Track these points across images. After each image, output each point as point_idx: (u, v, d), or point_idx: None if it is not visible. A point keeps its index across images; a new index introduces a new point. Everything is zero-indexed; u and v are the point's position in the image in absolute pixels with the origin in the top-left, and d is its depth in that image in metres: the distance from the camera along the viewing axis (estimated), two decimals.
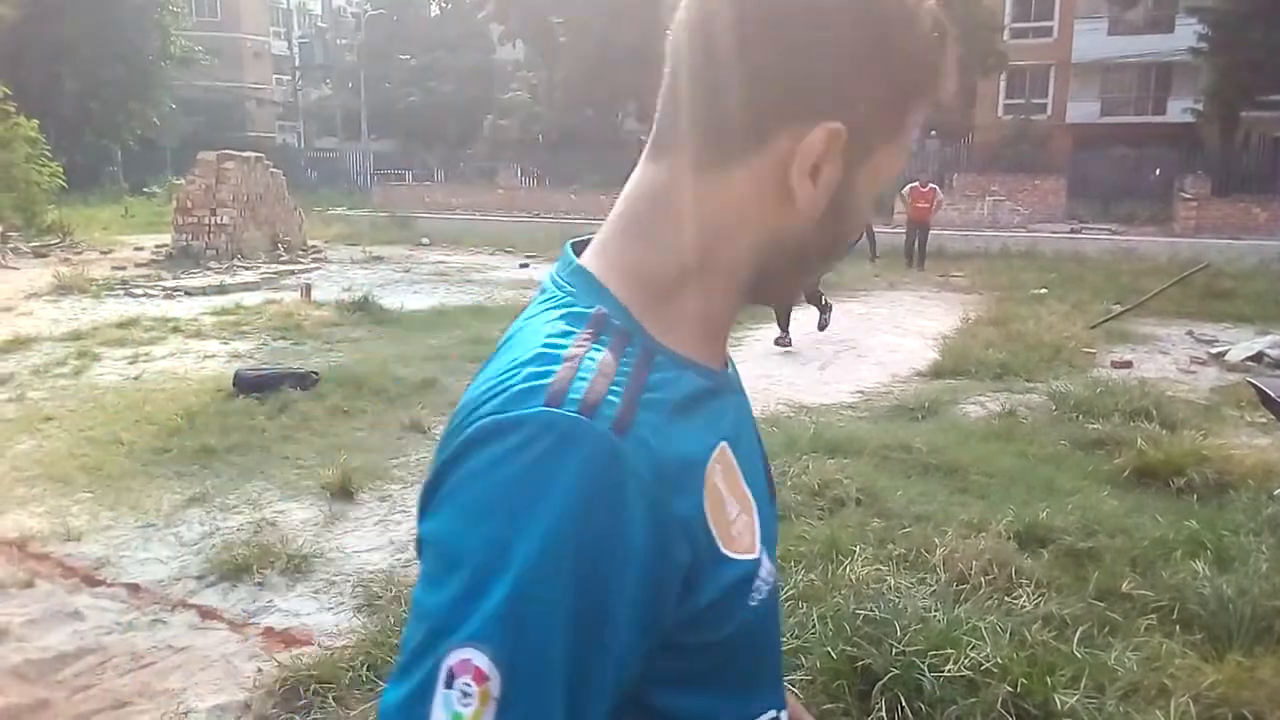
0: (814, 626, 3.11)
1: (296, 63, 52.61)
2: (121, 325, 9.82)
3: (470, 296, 13.15)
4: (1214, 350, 9.38)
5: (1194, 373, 8.54)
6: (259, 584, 3.89)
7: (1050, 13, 37.53)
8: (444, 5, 47.98)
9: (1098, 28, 36.08)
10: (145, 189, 32.87)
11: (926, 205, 17.36)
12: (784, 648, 2.93)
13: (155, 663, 3.31)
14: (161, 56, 36.13)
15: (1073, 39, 36.62)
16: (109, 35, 32.94)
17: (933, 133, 38.10)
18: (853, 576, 3.49)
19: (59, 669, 3.26)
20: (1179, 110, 32.22)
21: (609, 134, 37.28)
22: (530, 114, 38.23)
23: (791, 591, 3.41)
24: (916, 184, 17.41)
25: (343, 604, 3.75)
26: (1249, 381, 7.03)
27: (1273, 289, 12.98)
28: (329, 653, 3.24)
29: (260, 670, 3.21)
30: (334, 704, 2.93)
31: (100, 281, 13.49)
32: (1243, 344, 9.27)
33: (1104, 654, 3.04)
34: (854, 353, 9.58)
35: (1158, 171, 28.33)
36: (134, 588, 3.89)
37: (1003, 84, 36.66)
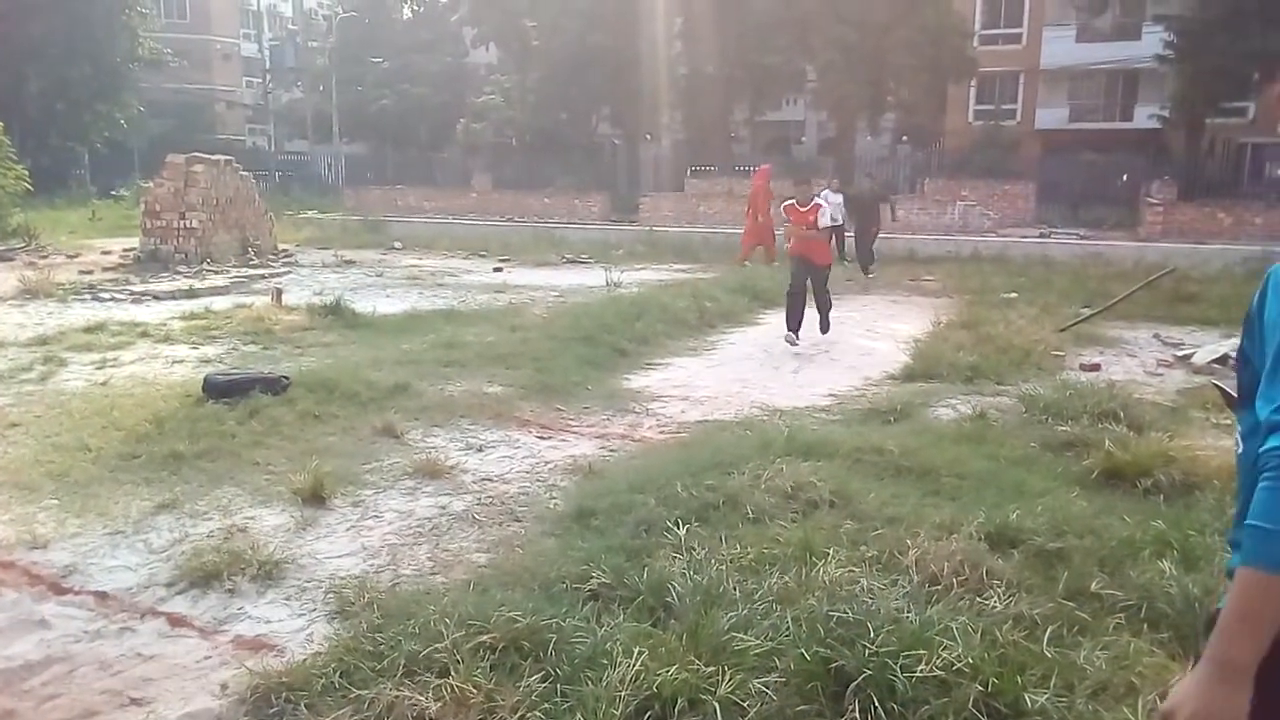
0: (788, 628, 3.13)
1: (267, 65, 52.14)
2: (89, 330, 9.69)
3: (443, 300, 13.09)
4: (1180, 353, 9.51)
5: (1161, 375, 8.66)
6: (229, 591, 3.86)
7: (1019, 19, 37.94)
8: (416, 8, 47.73)
9: (1066, 35, 36.50)
10: (113, 192, 32.47)
11: (808, 231, 10.14)
12: (757, 649, 2.96)
13: (124, 671, 3.27)
14: (129, 58, 35.72)
15: (1041, 46, 37.02)
16: (76, 36, 32.52)
17: (904, 138, 38.42)
18: (826, 578, 3.50)
19: (26, 678, 3.22)
20: (1146, 117, 32.66)
21: (583, 137, 37.26)
22: (504, 117, 38.11)
23: (765, 594, 3.43)
24: (793, 200, 10.32)
25: (314, 611, 3.72)
26: (1214, 384, 7.13)
27: (1237, 292, 13.17)
28: (301, 660, 3.21)
29: (231, 678, 3.18)
30: (306, 711, 2.91)
31: (67, 286, 13.32)
32: (1208, 346, 9.41)
33: (1073, 653, 3.08)
34: (827, 356, 9.64)
35: (1125, 177, 28.71)
36: (102, 595, 3.84)
37: (973, 90, 36.99)
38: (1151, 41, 29.53)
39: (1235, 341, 6.93)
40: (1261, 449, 1.39)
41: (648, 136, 36.18)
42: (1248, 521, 1.36)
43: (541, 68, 34.35)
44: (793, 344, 9.89)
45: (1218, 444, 5.73)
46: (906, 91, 31.04)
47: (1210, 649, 1.36)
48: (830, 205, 17.95)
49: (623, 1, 30.59)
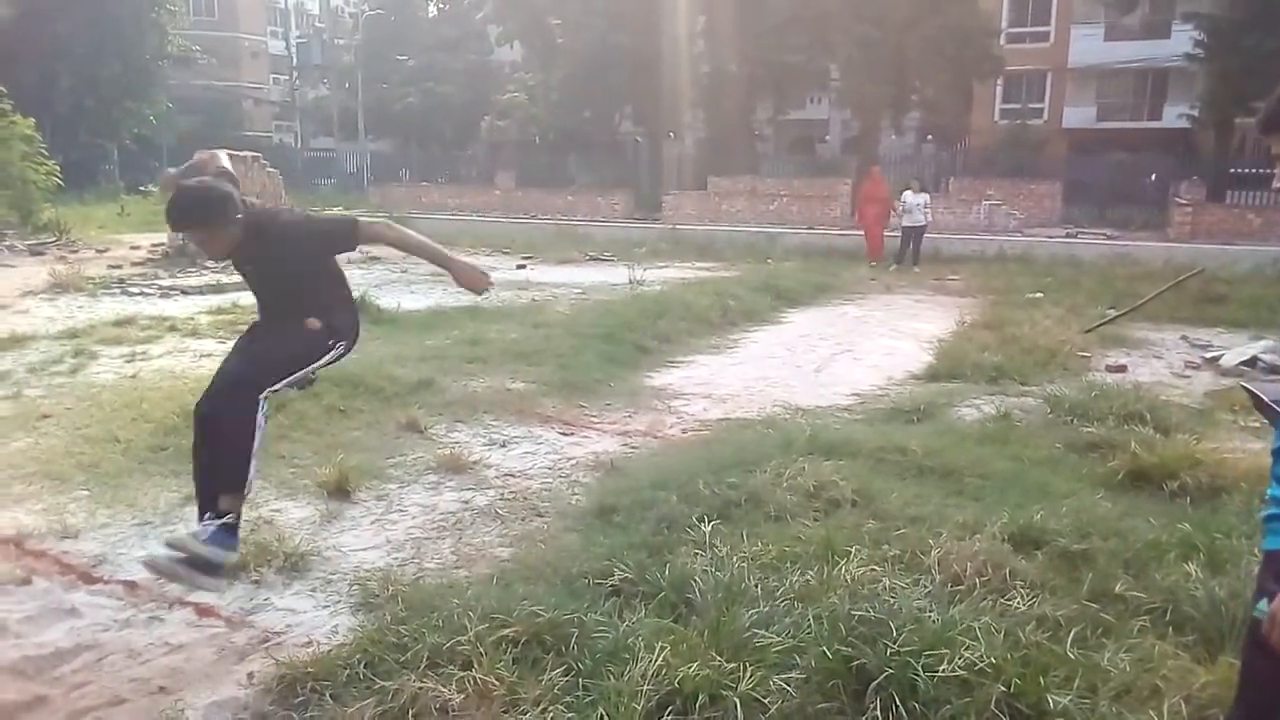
0: (809, 626, 3.13)
1: (294, 62, 52.48)
2: (118, 324, 9.81)
3: (467, 297, 13.09)
4: (1208, 355, 9.41)
5: (1188, 377, 8.58)
6: (256, 582, 3.90)
7: (1047, 17, 37.63)
8: (442, 6, 47.93)
9: (1094, 33, 36.19)
10: (142, 188, 32.79)
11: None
12: (778, 647, 2.97)
13: (152, 660, 3.31)
14: (158, 55, 36.04)
15: (1069, 44, 36.73)
16: (105, 33, 32.85)
17: (929, 137, 38.19)
18: (848, 577, 3.50)
19: (56, 665, 3.27)
20: (1174, 116, 32.32)
21: (606, 135, 37.27)
22: (528, 115, 38.16)
23: (786, 592, 3.43)
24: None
25: (339, 602, 3.76)
26: (1242, 386, 7.06)
27: (1266, 294, 13.02)
28: (326, 651, 3.25)
29: (257, 668, 3.22)
30: (331, 701, 2.94)
31: (96, 280, 13.47)
32: (1236, 348, 9.30)
33: (1097, 655, 3.06)
34: (850, 355, 9.60)
35: (1153, 177, 28.40)
36: (131, 585, 3.89)
37: (999, 88, 36.74)
38: (1181, 40, 29.21)
39: (1264, 343, 6.91)
40: None
41: (671, 135, 36.11)
42: None
43: (565, 66, 34.35)
44: None
45: (1245, 446, 5.68)
46: (931, 90, 30.83)
47: None
48: (912, 207, 17.72)
49: (646, 0, 30.55)
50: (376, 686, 2.93)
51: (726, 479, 4.70)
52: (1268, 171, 2.01)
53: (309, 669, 3.09)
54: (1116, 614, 3.40)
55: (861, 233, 19.19)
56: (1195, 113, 28.67)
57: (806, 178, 30.17)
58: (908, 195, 17.88)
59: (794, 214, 26.12)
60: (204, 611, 3.67)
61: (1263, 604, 1.88)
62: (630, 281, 13.79)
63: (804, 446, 5.23)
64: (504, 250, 20.81)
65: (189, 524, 4.51)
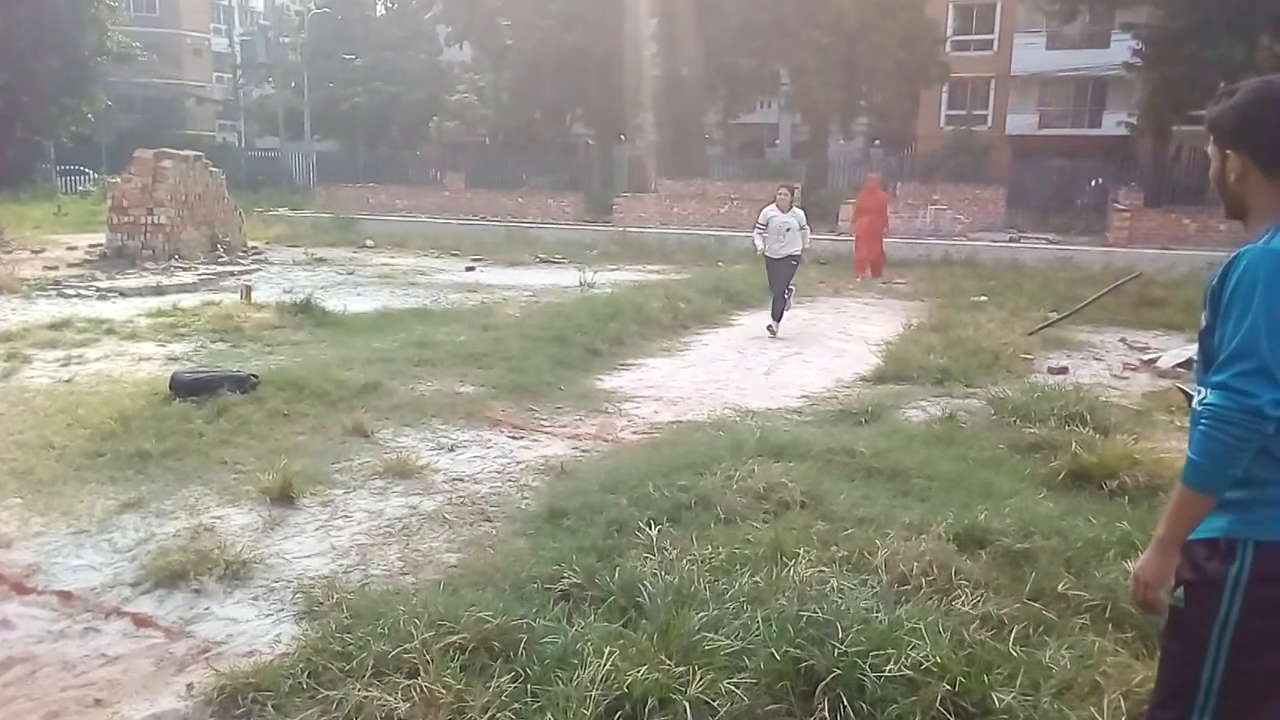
0: (758, 628, 3.14)
1: (238, 60, 51.70)
2: (53, 326, 9.55)
3: (415, 299, 13.02)
4: (1146, 357, 9.65)
5: (1127, 378, 8.78)
6: (196, 591, 3.82)
7: (991, 26, 38.38)
8: (390, 5, 47.45)
9: (1036, 42, 36.96)
10: (80, 186, 32.01)
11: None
12: (727, 649, 2.97)
13: (88, 672, 3.23)
14: (97, 51, 35.17)
15: (1012, 52, 37.46)
16: (42, 29, 31.99)
17: (876, 142, 38.69)
18: (797, 578, 3.52)
19: None
20: (1113, 124, 33.09)
21: (557, 137, 37.17)
22: (477, 116, 37.93)
23: (736, 594, 3.44)
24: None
25: (282, 611, 3.69)
26: (1179, 387, 7.25)
27: (1201, 297, 13.34)
28: (268, 661, 3.19)
29: (197, 679, 3.14)
30: (273, 712, 2.89)
31: (31, 281, 13.11)
32: (1173, 351, 9.54)
33: (1039, 652, 3.12)
34: (799, 358, 9.68)
35: (1094, 182, 29.04)
36: (66, 595, 3.79)
37: (945, 95, 37.36)
38: (1120, 49, 29.89)
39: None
40: (1199, 402, 1.98)
41: (622, 137, 36.14)
42: (1188, 453, 1.98)
43: (516, 67, 34.20)
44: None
45: (1182, 446, 5.79)
46: (879, 96, 31.23)
47: (1156, 534, 2.04)
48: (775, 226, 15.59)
49: (598, 2, 30.55)
50: (320, 696, 2.89)
51: (677, 482, 4.70)
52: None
53: (251, 679, 3.03)
54: (1058, 612, 3.46)
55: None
56: (1134, 120, 29.36)
57: (757, 181, 30.35)
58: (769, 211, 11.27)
59: (744, 217, 26.18)
60: (142, 622, 3.58)
61: (1180, 592, 2.03)
62: (581, 284, 13.76)
63: (754, 448, 5.26)
64: (453, 252, 20.65)
65: (126, 532, 4.41)
